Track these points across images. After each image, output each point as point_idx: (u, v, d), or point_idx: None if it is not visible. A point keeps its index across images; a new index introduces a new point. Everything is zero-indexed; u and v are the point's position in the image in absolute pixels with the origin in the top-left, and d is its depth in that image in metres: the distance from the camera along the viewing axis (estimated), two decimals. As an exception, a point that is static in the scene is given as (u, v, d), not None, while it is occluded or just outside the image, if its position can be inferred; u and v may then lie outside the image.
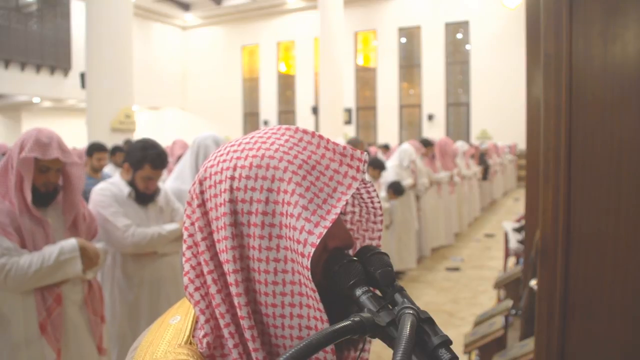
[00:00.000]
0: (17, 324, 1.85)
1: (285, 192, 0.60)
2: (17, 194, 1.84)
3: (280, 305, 0.61)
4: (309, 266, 0.57)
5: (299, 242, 0.58)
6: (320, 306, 0.58)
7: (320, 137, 0.65)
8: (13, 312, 1.86)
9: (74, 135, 12.58)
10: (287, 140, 0.64)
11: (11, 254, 1.81)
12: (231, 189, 0.62)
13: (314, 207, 0.59)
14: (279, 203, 0.60)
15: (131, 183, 2.40)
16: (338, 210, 0.59)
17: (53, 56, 15.26)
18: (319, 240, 0.57)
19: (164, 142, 7.78)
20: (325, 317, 0.58)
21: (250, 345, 0.61)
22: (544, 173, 1.44)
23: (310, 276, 0.57)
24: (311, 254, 0.57)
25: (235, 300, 0.61)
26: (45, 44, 15.02)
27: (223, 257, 0.62)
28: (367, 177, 0.68)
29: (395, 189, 5.01)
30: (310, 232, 0.57)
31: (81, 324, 2.01)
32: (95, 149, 4.60)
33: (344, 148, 0.65)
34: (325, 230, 0.57)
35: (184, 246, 0.67)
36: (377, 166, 4.84)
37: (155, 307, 2.43)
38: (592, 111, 1.35)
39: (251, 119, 20.30)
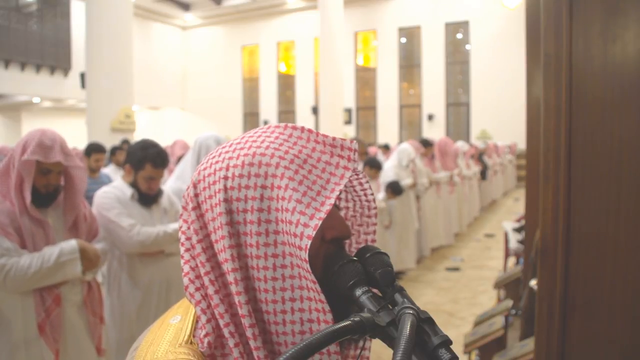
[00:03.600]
0: (15, 325, 1.85)
1: (279, 187, 0.61)
2: (17, 194, 1.84)
3: (281, 301, 0.61)
4: (307, 258, 0.57)
5: (295, 235, 0.58)
6: (322, 297, 0.58)
7: (310, 131, 0.66)
8: (12, 313, 1.85)
9: (74, 135, 12.57)
10: (277, 137, 0.65)
11: (11, 254, 1.80)
12: (225, 189, 0.62)
13: (308, 200, 0.60)
14: (274, 199, 0.61)
15: (133, 184, 2.40)
16: (332, 201, 0.60)
17: (53, 56, 15.26)
18: (315, 232, 0.57)
19: (164, 142, 7.78)
20: (327, 307, 0.58)
21: (252, 343, 0.61)
22: (544, 173, 1.44)
23: (309, 268, 0.57)
24: (308, 246, 0.57)
25: (236, 299, 0.61)
26: (45, 44, 15.02)
27: (222, 256, 0.63)
28: (359, 167, 0.68)
29: (394, 189, 5.01)
30: (305, 225, 0.58)
31: (80, 324, 2.01)
32: (93, 149, 4.62)
33: (334, 139, 0.65)
34: (321, 222, 0.58)
35: (182, 249, 0.67)
36: (373, 165, 4.84)
37: (164, 309, 2.42)
38: (592, 111, 1.35)
39: (251, 119, 20.30)
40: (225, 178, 0.63)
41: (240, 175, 0.62)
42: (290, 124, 0.67)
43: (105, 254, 2.16)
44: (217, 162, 0.65)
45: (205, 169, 0.66)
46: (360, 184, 0.73)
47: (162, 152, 2.39)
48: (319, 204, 0.60)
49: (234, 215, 0.62)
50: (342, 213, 0.76)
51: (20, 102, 16.72)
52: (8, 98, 16.07)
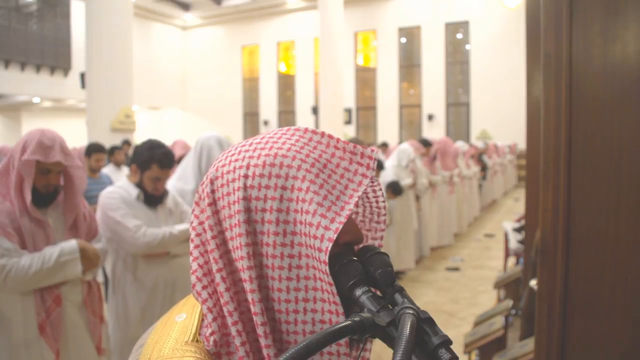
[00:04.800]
0: (16, 325, 1.85)
1: (300, 189, 0.61)
2: (17, 194, 1.84)
3: (294, 301, 0.62)
4: (326, 260, 0.58)
5: (315, 237, 0.59)
6: (337, 299, 0.59)
7: (330, 136, 0.67)
8: (12, 313, 1.85)
9: (74, 135, 12.57)
10: (297, 140, 0.65)
11: (11, 254, 1.80)
12: (245, 187, 0.63)
13: (329, 204, 0.60)
14: (293, 200, 0.62)
15: (139, 185, 2.37)
16: (351, 207, 0.60)
17: (53, 56, 15.25)
18: (335, 236, 0.58)
19: (164, 142, 7.77)
20: (341, 310, 0.59)
21: (262, 341, 0.61)
22: (544, 173, 1.44)
23: (327, 270, 0.58)
24: (329, 249, 0.58)
25: (249, 297, 0.62)
26: (45, 44, 15.01)
27: (237, 254, 0.63)
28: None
29: (394, 189, 5.01)
30: (326, 228, 0.59)
31: (80, 324, 2.01)
32: (93, 149, 4.62)
33: (354, 146, 0.66)
34: (341, 226, 0.59)
35: (191, 245, 0.68)
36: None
37: (169, 309, 2.39)
38: (592, 111, 1.35)
39: (251, 119, 20.30)
40: (246, 177, 0.63)
41: (261, 175, 0.63)
42: (310, 128, 0.68)
43: (105, 253, 2.16)
44: (236, 160, 0.65)
45: (223, 165, 0.66)
46: (374, 191, 0.74)
47: (168, 153, 2.37)
48: (339, 209, 0.61)
49: (252, 214, 0.63)
50: (352, 217, 0.76)
51: (20, 102, 16.71)
52: (8, 98, 16.05)
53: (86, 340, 2.02)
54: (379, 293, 0.61)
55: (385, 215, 0.75)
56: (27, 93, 15.16)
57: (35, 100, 16.71)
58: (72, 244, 1.93)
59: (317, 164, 0.63)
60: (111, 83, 8.57)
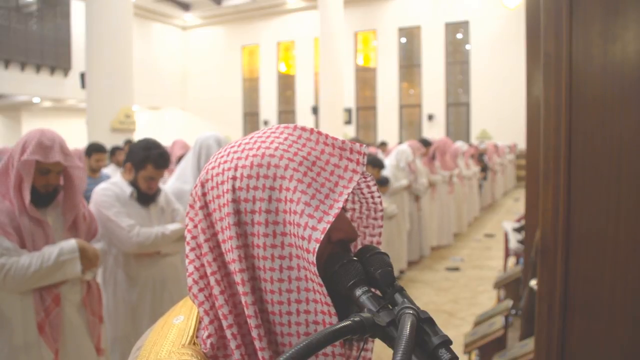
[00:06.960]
0: (15, 325, 1.85)
1: (288, 189, 0.60)
2: (16, 194, 1.84)
3: (287, 302, 0.61)
4: (314, 262, 0.57)
5: (303, 238, 0.58)
6: (328, 300, 0.58)
7: (319, 132, 0.66)
8: (11, 313, 1.85)
9: (74, 135, 12.56)
10: (286, 138, 0.64)
11: (10, 254, 1.80)
12: (233, 189, 0.62)
13: (317, 203, 0.59)
14: (282, 201, 0.61)
15: (133, 183, 2.38)
16: (340, 205, 0.59)
17: (53, 56, 15.26)
18: (322, 236, 0.57)
19: (164, 142, 7.76)
20: (333, 310, 0.58)
21: (257, 344, 0.61)
22: (544, 173, 1.44)
23: (316, 271, 0.57)
24: (316, 250, 0.57)
25: (242, 300, 0.61)
26: (45, 44, 15.02)
27: (229, 257, 0.63)
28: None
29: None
30: (314, 228, 0.58)
31: (79, 324, 2.01)
32: (94, 149, 4.62)
33: (343, 142, 0.65)
34: (329, 226, 0.58)
35: (187, 248, 0.67)
36: (376, 165, 4.83)
37: (158, 308, 2.43)
38: (592, 111, 1.35)
39: (251, 119, 20.30)
40: (234, 178, 0.62)
41: (249, 176, 0.62)
42: (299, 125, 0.67)
43: (105, 253, 2.16)
44: (225, 161, 0.64)
45: (213, 168, 0.65)
46: (368, 186, 0.73)
47: (164, 153, 2.38)
48: (327, 207, 0.59)
49: (242, 215, 0.62)
50: (349, 214, 0.76)
51: (20, 102, 16.71)
52: (8, 98, 16.05)
53: (85, 340, 2.02)
54: (379, 293, 0.61)
55: (382, 211, 0.74)
56: (27, 93, 15.16)
57: (35, 100, 16.71)
58: (71, 243, 1.93)
59: (305, 162, 0.62)
60: (111, 83, 8.58)
